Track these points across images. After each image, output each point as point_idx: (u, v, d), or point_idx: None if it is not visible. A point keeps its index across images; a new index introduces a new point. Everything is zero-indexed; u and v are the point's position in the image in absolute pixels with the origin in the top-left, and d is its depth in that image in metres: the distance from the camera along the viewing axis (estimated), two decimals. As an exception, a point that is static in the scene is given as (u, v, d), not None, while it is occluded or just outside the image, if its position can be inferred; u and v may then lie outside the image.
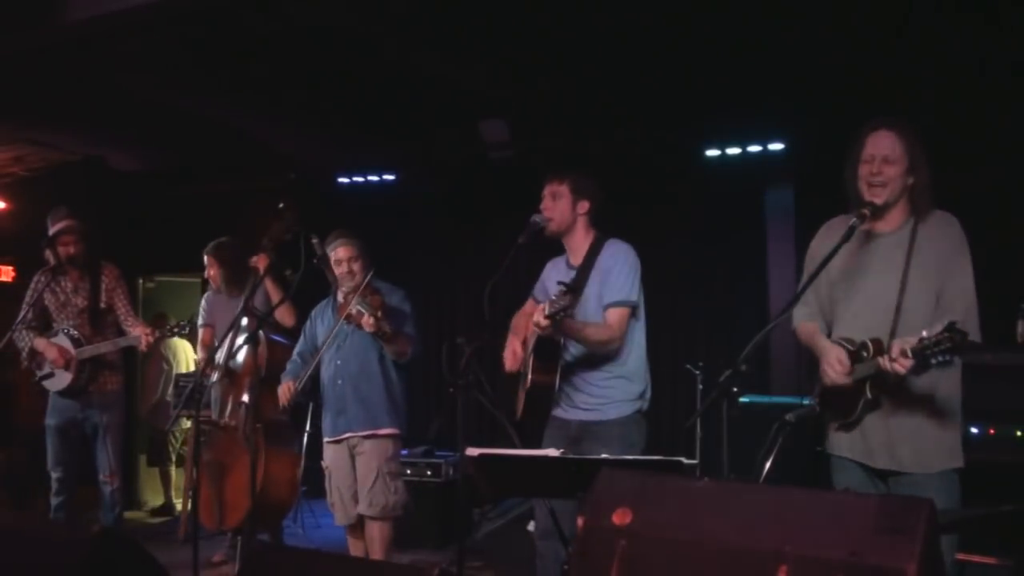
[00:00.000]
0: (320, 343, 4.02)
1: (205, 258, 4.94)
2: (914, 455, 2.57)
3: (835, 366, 2.59)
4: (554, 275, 3.50)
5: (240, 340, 4.25)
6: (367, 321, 3.68)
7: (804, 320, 2.86)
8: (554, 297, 2.87)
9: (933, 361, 2.26)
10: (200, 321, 4.98)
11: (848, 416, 2.65)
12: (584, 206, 3.39)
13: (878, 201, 2.60)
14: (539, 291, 3.62)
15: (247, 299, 4.15)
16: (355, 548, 4.04)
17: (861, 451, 2.66)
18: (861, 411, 2.61)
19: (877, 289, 2.63)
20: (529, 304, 3.67)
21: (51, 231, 4.55)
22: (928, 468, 2.56)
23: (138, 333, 4.50)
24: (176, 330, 4.57)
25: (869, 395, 2.57)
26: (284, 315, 4.44)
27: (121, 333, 4.64)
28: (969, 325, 2.46)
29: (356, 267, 3.94)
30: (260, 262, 4.25)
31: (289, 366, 4.14)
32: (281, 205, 3.84)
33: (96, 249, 4.71)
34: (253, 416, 4.10)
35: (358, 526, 4.00)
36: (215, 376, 4.46)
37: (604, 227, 3.50)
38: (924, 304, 2.56)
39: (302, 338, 4.18)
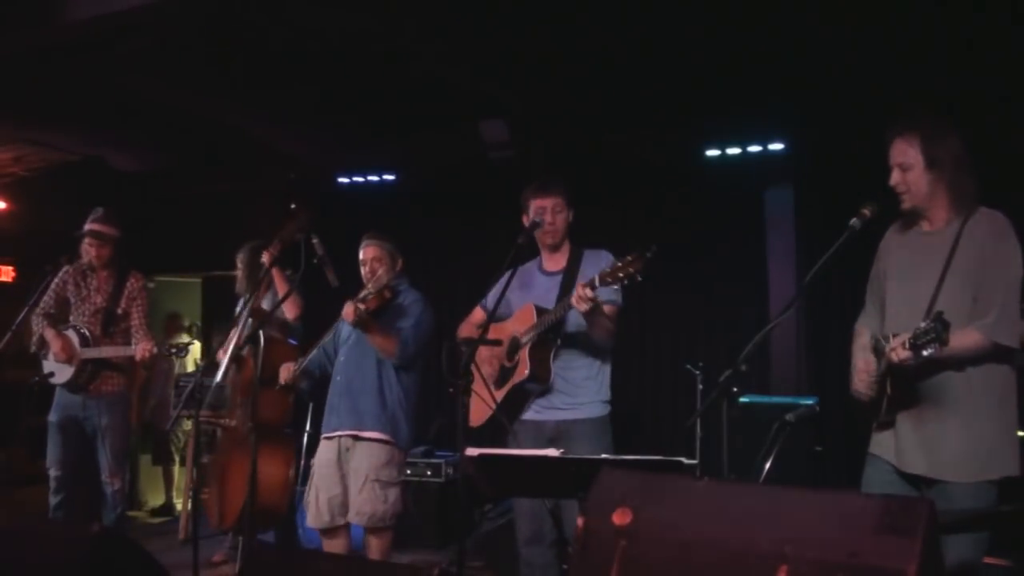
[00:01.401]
0: (338, 340, 4.05)
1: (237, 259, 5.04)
2: (941, 461, 2.52)
3: (860, 375, 2.63)
4: (528, 282, 3.54)
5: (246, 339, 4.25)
6: (347, 309, 3.68)
7: (861, 324, 2.89)
8: (612, 268, 2.93)
9: (924, 352, 2.27)
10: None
11: (878, 414, 2.65)
12: (571, 215, 3.53)
13: (905, 206, 2.67)
14: (493, 300, 3.42)
15: (250, 298, 4.16)
16: (329, 550, 3.90)
17: (893, 452, 2.64)
18: (887, 409, 2.60)
19: (915, 288, 2.63)
20: (477, 314, 3.71)
21: (83, 228, 4.61)
22: (958, 477, 2.50)
23: (140, 346, 4.53)
24: (176, 351, 4.59)
25: (889, 391, 2.56)
26: (289, 307, 4.45)
27: (130, 340, 4.67)
28: (1003, 324, 2.46)
29: (379, 268, 3.92)
30: (267, 259, 4.26)
31: (313, 353, 4.11)
32: (293, 206, 3.84)
33: (125, 255, 4.75)
34: (249, 416, 4.11)
35: (332, 531, 3.88)
36: (219, 375, 4.48)
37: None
38: (958, 302, 2.51)
39: (331, 333, 4.13)
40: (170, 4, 3.98)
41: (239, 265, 5.03)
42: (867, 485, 2.68)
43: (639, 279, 2.90)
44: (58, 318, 4.66)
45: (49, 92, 5.27)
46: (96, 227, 4.59)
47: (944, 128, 2.62)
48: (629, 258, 2.89)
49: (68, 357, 4.51)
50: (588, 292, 3.00)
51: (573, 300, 3.03)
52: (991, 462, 2.51)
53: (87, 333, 4.56)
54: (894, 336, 2.49)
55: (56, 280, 4.66)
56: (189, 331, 4.92)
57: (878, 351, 2.57)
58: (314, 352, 4.06)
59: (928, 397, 2.55)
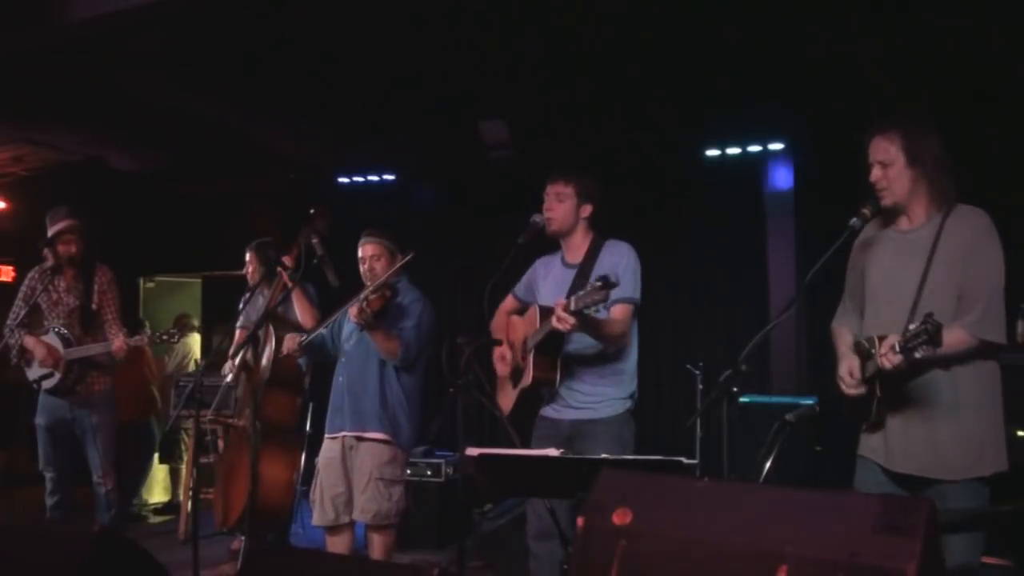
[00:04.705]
0: (340, 335, 4.03)
1: (247, 255, 4.91)
2: (932, 460, 2.51)
3: (845, 379, 2.60)
4: (548, 272, 3.51)
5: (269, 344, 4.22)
6: (352, 310, 3.68)
7: (839, 323, 2.87)
8: (585, 292, 2.82)
9: (916, 354, 2.27)
10: (238, 323, 4.97)
11: (867, 417, 2.63)
12: (587, 210, 3.43)
13: (886, 203, 2.63)
14: (523, 290, 3.60)
15: (269, 304, 4.13)
16: (332, 548, 3.93)
17: (882, 453, 2.63)
18: (877, 411, 2.59)
19: (898, 287, 2.62)
20: (509, 302, 3.67)
21: (52, 230, 4.55)
22: (949, 475, 2.49)
23: (114, 340, 4.49)
24: (166, 338, 4.55)
25: (879, 393, 2.55)
26: (306, 317, 4.36)
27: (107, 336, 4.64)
28: (989, 320, 2.45)
29: (378, 266, 3.90)
30: (289, 264, 4.20)
31: (318, 331, 4.06)
32: (312, 211, 3.80)
33: (92, 250, 4.71)
34: (255, 416, 4.09)
35: (337, 528, 3.89)
36: (229, 376, 4.45)
37: (604, 227, 3.51)
38: (943, 301, 2.50)
39: (336, 316, 4.05)
40: (170, 4, 3.98)
41: (248, 260, 4.95)
42: (859, 487, 2.68)
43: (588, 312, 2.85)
44: (30, 325, 4.57)
45: (49, 92, 5.28)
46: (69, 223, 4.52)
47: (924, 126, 2.62)
48: (599, 284, 2.78)
49: (54, 362, 4.44)
50: (566, 315, 2.90)
51: (554, 321, 2.96)
52: (981, 459, 2.51)
53: (68, 334, 4.49)
54: (880, 338, 2.48)
55: (24, 288, 4.59)
56: (198, 331, 4.90)
57: (863, 353, 2.56)
58: (320, 330, 4.03)
59: (917, 397, 2.54)
